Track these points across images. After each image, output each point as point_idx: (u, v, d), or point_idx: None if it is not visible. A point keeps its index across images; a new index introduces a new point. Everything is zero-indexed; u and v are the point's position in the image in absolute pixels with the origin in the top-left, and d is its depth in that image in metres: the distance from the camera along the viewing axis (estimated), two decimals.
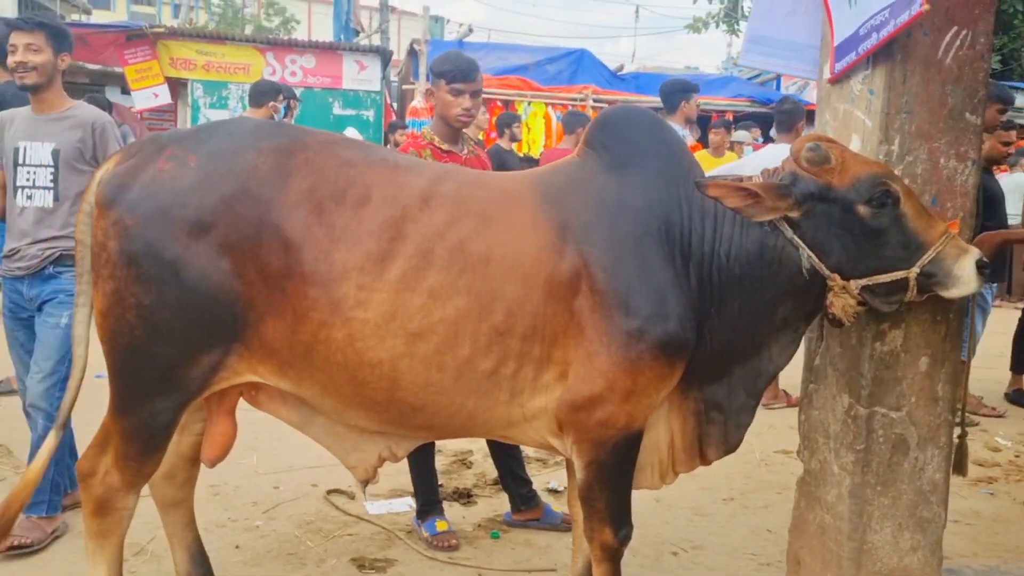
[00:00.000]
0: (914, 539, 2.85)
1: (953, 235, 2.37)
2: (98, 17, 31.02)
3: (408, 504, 3.97)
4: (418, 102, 11.47)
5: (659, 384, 2.44)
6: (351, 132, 10.43)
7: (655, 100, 6.73)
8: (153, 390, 2.41)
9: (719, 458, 2.69)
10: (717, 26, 15.56)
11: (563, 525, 3.74)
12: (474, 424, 2.52)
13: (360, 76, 12.89)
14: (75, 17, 26.81)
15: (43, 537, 3.41)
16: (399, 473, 4.24)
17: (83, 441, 2.73)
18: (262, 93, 6.65)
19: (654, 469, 2.71)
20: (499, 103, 12.05)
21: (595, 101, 12.13)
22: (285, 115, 7.40)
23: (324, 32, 21.20)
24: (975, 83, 2.72)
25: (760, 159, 5.52)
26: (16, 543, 3.30)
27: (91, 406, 2.84)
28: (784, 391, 6.17)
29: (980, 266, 2.33)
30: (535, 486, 3.93)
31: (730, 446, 2.67)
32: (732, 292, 2.47)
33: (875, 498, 2.81)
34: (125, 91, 12.75)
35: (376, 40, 16.70)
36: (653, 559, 3.56)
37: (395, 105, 14.62)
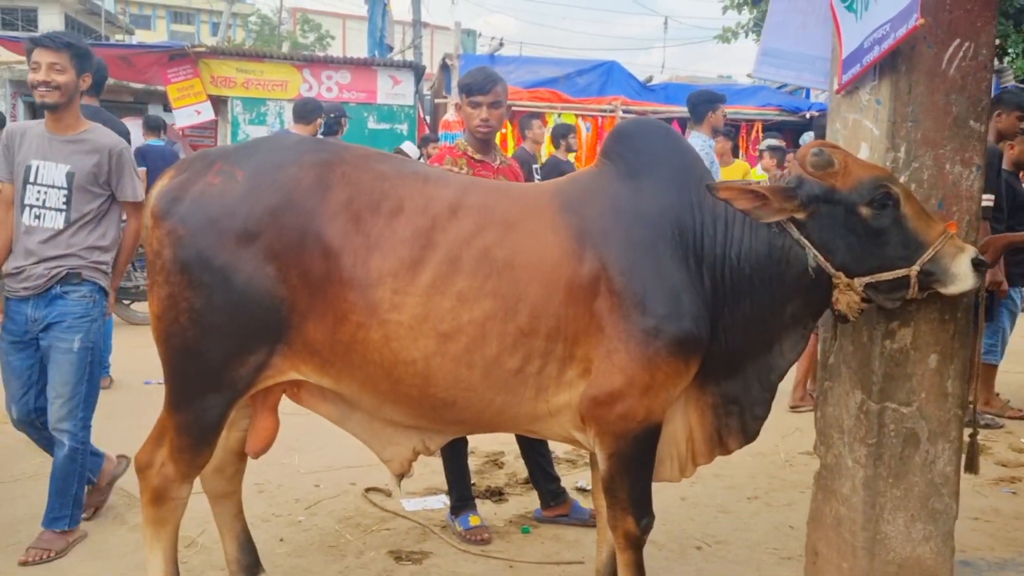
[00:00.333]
0: (926, 529, 2.96)
1: (951, 235, 2.50)
2: (140, 36, 31.80)
3: (442, 501, 4.13)
4: (450, 115, 11.70)
5: (675, 379, 2.59)
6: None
7: (684, 111, 6.88)
8: (205, 387, 2.61)
9: (739, 447, 2.84)
10: (747, 36, 15.63)
11: (591, 520, 3.88)
12: (502, 419, 2.69)
13: (394, 91, 13.18)
14: (119, 37, 27.52)
15: (64, 547, 3.51)
16: (434, 474, 4.42)
17: (135, 443, 2.91)
18: (310, 111, 6.94)
19: (673, 462, 2.85)
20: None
21: (624, 112, 12.28)
22: (336, 132, 7.72)
23: (358, 47, 21.61)
24: (978, 92, 2.84)
25: None
26: (41, 557, 3.42)
27: (140, 410, 3.02)
28: (811, 394, 6.25)
29: (977, 264, 2.46)
30: (564, 485, 4.09)
31: (749, 436, 2.82)
32: (743, 291, 2.62)
33: (887, 490, 2.92)
34: (167, 109, 13.14)
35: (409, 55, 17.02)
36: (678, 553, 3.69)
37: (428, 119, 14.88)
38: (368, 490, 4.31)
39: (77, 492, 3.58)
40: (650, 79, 13.80)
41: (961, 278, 2.47)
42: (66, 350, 3.52)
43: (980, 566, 3.26)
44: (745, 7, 14.51)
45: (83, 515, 3.68)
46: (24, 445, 4.72)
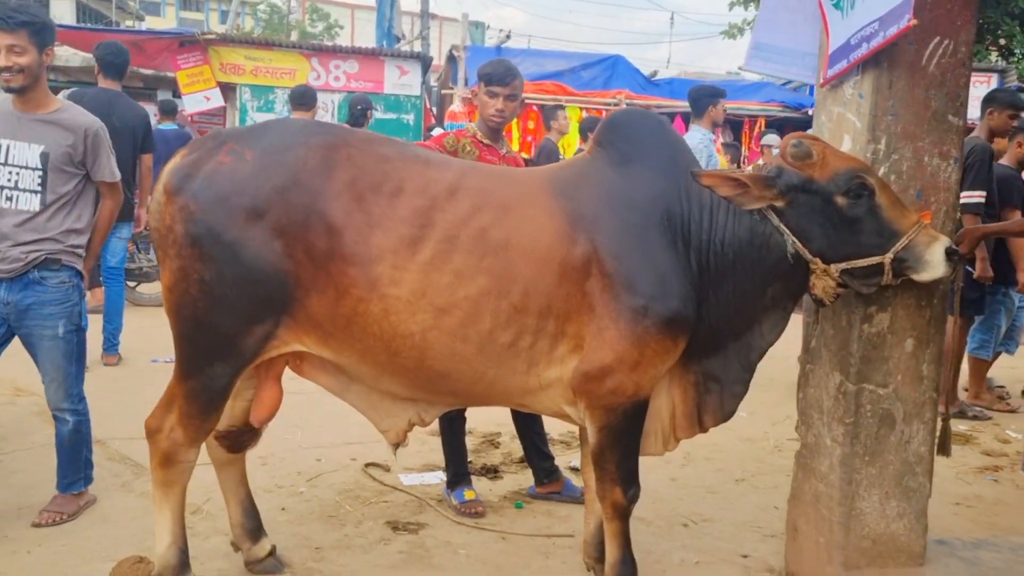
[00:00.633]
0: (900, 507, 3.09)
1: (925, 224, 2.62)
2: (149, 23, 31.93)
3: (439, 477, 4.27)
4: (456, 106, 11.83)
5: (663, 356, 2.73)
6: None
7: (688, 106, 6.99)
8: (213, 356, 2.74)
9: (715, 424, 2.98)
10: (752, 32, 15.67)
11: (582, 498, 3.99)
12: (494, 391, 2.83)
13: (401, 81, 13.29)
14: (129, 23, 27.65)
15: (76, 511, 3.64)
16: (432, 451, 4.57)
17: (142, 417, 3.00)
18: (312, 97, 7.58)
19: (657, 436, 2.99)
20: (534, 108, 12.37)
21: (628, 106, 12.39)
22: (362, 123, 7.91)
23: (367, 37, 21.70)
24: (957, 88, 2.96)
25: None
26: (55, 519, 3.55)
27: (147, 386, 3.15)
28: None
29: (949, 253, 2.58)
30: (558, 464, 4.23)
31: (726, 414, 2.95)
32: (727, 275, 2.75)
33: (863, 467, 3.05)
34: (176, 95, 13.28)
35: (416, 46, 17.12)
36: (665, 529, 3.83)
37: (435, 109, 15.01)
38: (368, 465, 4.45)
39: (87, 456, 3.75)
40: (655, 74, 13.90)
41: (933, 266, 2.59)
42: (52, 336, 3.55)
43: (955, 545, 3.38)
44: (751, 3, 14.57)
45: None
46: (36, 417, 4.91)
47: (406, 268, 2.64)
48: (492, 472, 4.48)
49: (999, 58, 18.37)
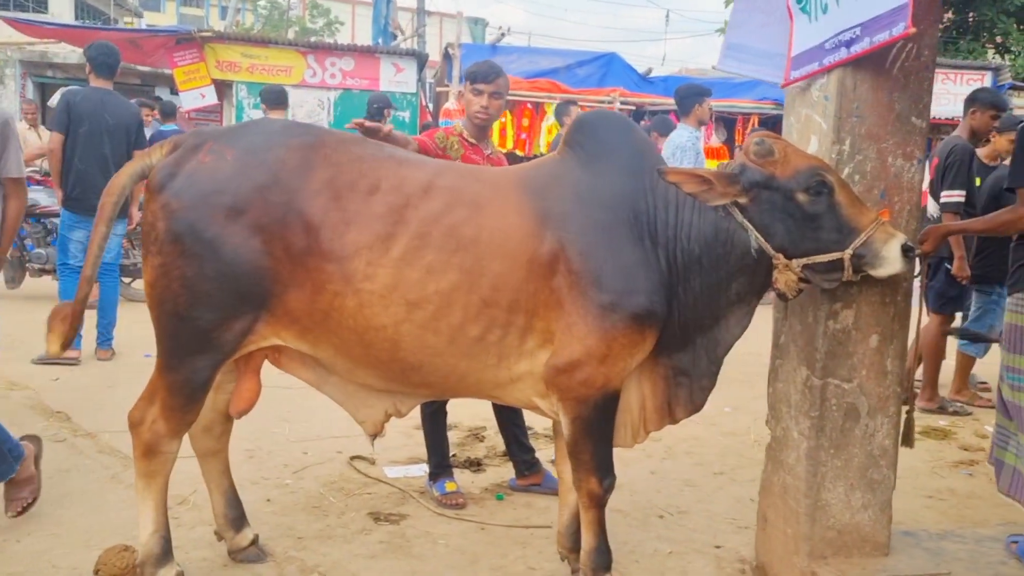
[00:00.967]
0: (865, 498, 3.17)
1: (883, 222, 2.70)
2: (148, 19, 32.00)
3: (423, 470, 4.36)
4: (451, 103, 11.89)
5: (632, 349, 2.81)
6: None
7: None
8: (194, 350, 2.82)
9: (686, 416, 3.06)
10: None
11: None
12: (466, 384, 2.92)
13: (397, 78, 13.37)
14: (127, 20, 27.71)
15: (33, 487, 3.53)
16: (418, 445, 4.64)
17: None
18: (285, 96, 8.18)
19: (627, 429, 3.07)
20: (529, 105, 12.44)
21: (623, 103, 12.46)
22: (379, 120, 8.03)
23: (367, 33, 21.77)
24: (920, 91, 3.04)
25: None
26: (22, 507, 3.50)
27: (139, 380, 3.20)
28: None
29: (906, 250, 2.66)
30: (540, 458, 4.31)
31: (695, 406, 3.03)
32: (694, 271, 2.84)
33: (828, 460, 3.13)
34: (173, 92, 13.37)
35: (413, 43, 17.19)
36: (641, 520, 3.92)
37: (430, 106, 15.07)
38: (353, 458, 4.54)
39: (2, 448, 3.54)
40: (649, 71, 13.94)
41: (890, 262, 2.67)
42: None
43: (921, 536, 3.47)
44: None
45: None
46: (30, 410, 5.01)
47: (380, 264, 2.72)
48: (475, 465, 4.56)
49: (996, 55, 18.44)
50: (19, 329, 6.74)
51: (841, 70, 2.97)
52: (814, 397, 3.11)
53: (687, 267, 2.84)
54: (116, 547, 3.15)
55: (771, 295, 2.94)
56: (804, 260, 2.72)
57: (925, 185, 6.17)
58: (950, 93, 13.35)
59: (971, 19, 18.19)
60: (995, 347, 6.59)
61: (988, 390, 6.52)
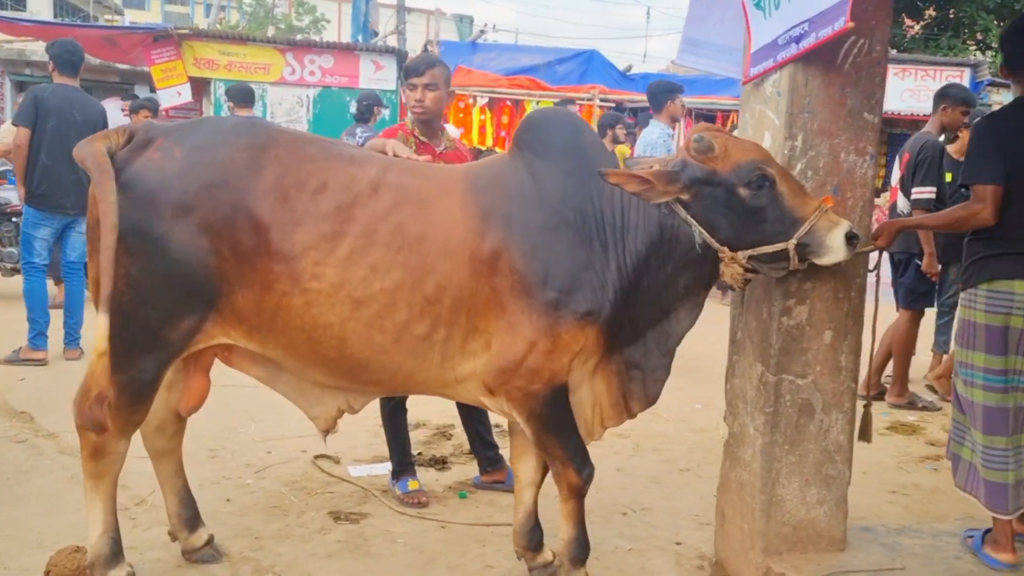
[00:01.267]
0: (820, 494, 3.18)
1: (826, 209, 2.70)
2: (132, 16, 31.83)
3: (387, 468, 4.31)
4: None
5: (574, 346, 2.80)
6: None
7: None
8: (141, 349, 2.80)
9: (642, 410, 3.06)
10: None
11: None
12: (414, 382, 2.91)
13: (376, 76, 13.35)
14: (107, 18, 27.54)
15: None
16: (383, 444, 4.61)
17: None
18: (252, 94, 8.33)
19: (581, 426, 3.06)
20: (508, 103, 12.43)
21: (602, 101, 12.48)
22: (368, 119, 8.01)
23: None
24: (872, 86, 3.03)
25: None
26: None
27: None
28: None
29: (849, 237, 2.66)
30: (506, 456, 4.29)
31: (650, 399, 3.03)
32: (641, 268, 2.83)
33: (783, 456, 3.13)
34: (152, 89, 13.29)
35: (393, 41, 17.15)
36: (603, 518, 3.90)
37: None
38: (317, 457, 4.51)
39: None
40: (629, 68, 13.95)
41: (834, 250, 2.67)
42: None
43: (879, 531, 3.47)
44: None
45: None
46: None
47: (326, 263, 2.71)
48: (441, 463, 4.55)
49: (976, 51, 18.53)
50: None
51: (793, 66, 2.97)
52: (769, 393, 3.11)
53: (634, 264, 2.83)
54: (68, 548, 3.12)
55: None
56: (750, 252, 2.72)
57: (895, 181, 6.21)
58: (929, 90, 13.39)
59: (952, 16, 18.28)
60: None
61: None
